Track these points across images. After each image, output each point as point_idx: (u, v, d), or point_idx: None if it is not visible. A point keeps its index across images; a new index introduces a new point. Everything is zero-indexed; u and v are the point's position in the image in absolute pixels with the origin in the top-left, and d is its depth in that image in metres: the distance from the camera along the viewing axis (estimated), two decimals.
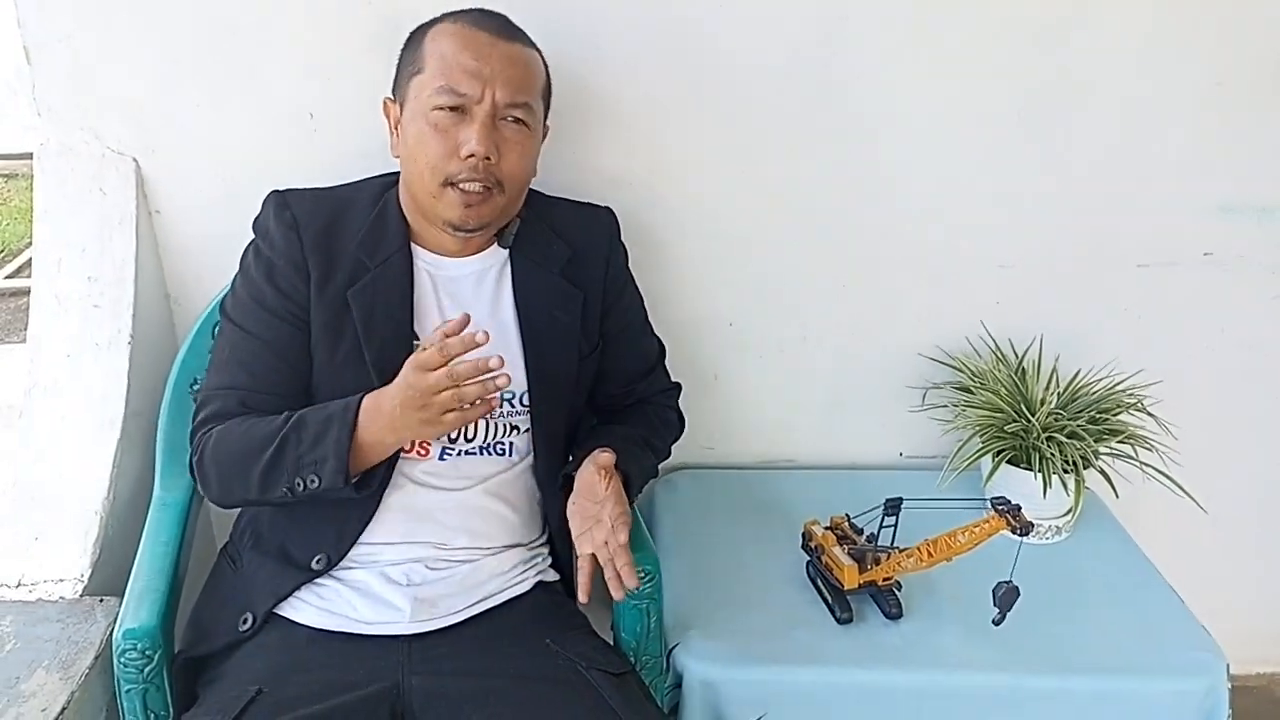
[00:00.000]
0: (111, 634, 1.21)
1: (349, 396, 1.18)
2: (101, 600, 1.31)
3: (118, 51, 1.43)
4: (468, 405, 1.11)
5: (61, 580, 1.32)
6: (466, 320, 1.10)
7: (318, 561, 1.24)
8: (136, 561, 1.30)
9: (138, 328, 1.45)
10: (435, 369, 1.08)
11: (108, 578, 1.35)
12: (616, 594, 1.19)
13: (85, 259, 1.46)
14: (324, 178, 1.35)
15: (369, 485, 1.20)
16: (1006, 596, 1.28)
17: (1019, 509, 1.24)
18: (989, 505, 1.26)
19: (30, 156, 1.48)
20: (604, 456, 1.22)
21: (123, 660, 1.19)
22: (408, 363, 1.12)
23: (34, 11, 1.40)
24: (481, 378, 1.09)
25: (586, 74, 1.49)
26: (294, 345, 1.25)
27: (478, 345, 1.08)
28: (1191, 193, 1.66)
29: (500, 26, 1.24)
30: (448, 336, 1.08)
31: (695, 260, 1.65)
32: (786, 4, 1.50)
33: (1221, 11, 1.54)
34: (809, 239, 1.65)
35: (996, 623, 1.28)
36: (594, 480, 1.21)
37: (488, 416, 1.29)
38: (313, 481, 1.14)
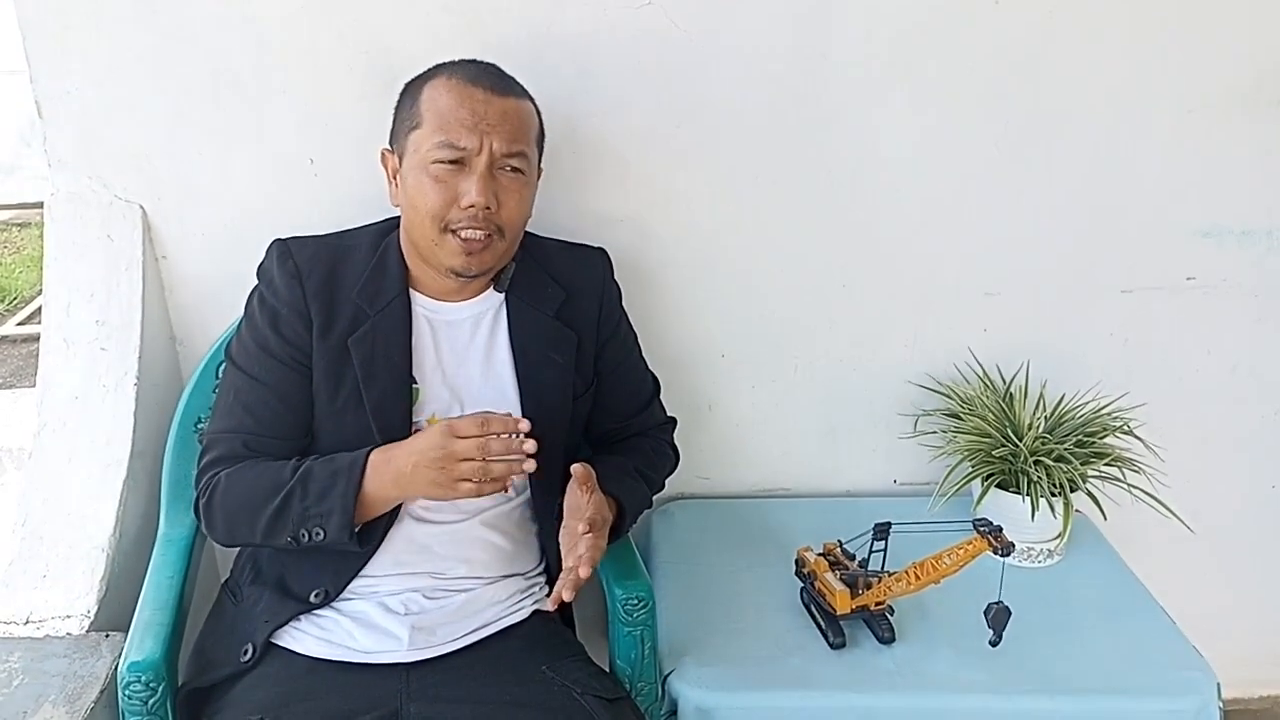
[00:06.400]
0: (117, 668, 1.23)
1: (352, 447, 1.23)
2: (107, 635, 1.33)
3: (125, 104, 1.48)
4: (486, 480, 1.15)
5: (69, 616, 1.35)
6: (514, 419, 1.15)
7: (316, 595, 1.27)
8: (141, 596, 1.33)
9: (144, 369, 1.49)
10: (469, 437, 1.14)
11: (114, 613, 1.37)
12: (556, 596, 1.16)
13: (93, 303, 1.50)
14: (324, 222, 1.39)
15: (371, 539, 1.25)
16: (998, 617, 1.30)
17: (1000, 530, 1.26)
18: (972, 527, 1.28)
19: (41, 206, 1.53)
20: (579, 469, 1.21)
21: (128, 693, 1.21)
22: (441, 424, 1.16)
23: (46, 67, 1.46)
24: (509, 458, 1.14)
25: (576, 115, 1.53)
26: (297, 390, 1.28)
27: (520, 431, 1.15)
28: (1172, 218, 1.69)
29: (494, 81, 1.26)
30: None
31: (687, 294, 1.68)
32: (770, 41, 1.54)
33: (1190, 40, 1.58)
34: (798, 270, 1.68)
35: (993, 644, 1.31)
36: (576, 496, 1.22)
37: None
38: (317, 534, 1.20)
